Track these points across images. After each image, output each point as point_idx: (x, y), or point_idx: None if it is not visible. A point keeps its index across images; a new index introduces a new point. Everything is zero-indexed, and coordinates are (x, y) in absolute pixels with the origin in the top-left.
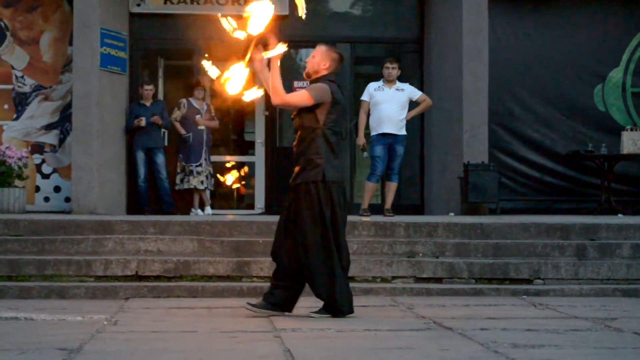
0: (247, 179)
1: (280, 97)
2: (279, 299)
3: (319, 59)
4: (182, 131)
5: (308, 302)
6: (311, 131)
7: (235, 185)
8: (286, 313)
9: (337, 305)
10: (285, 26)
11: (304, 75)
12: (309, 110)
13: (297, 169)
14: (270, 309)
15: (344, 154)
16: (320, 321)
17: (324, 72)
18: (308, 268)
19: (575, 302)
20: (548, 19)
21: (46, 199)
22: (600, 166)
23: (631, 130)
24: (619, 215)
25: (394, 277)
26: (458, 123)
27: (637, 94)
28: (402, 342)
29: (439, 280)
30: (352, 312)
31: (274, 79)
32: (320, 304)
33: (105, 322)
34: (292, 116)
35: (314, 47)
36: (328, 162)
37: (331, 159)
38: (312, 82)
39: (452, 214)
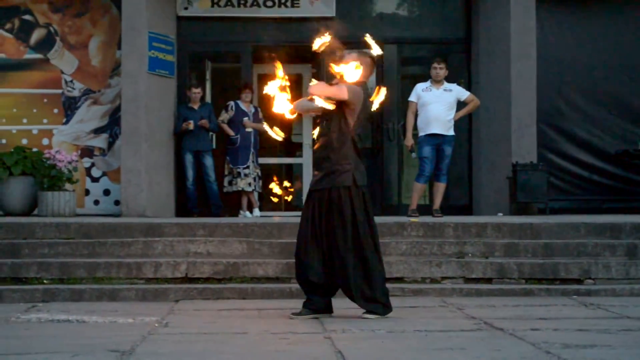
0: (295, 181)
1: (320, 96)
2: (319, 305)
3: (350, 68)
4: (231, 132)
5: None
6: (340, 135)
7: (283, 187)
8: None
9: (384, 304)
10: (332, 28)
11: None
12: (340, 114)
13: (319, 173)
14: (312, 314)
15: (390, 155)
16: (370, 322)
17: (361, 79)
18: (347, 271)
19: (626, 302)
20: (596, 16)
21: (96, 202)
22: None
23: None
24: None
25: (443, 278)
26: (506, 123)
27: None
28: (453, 343)
29: (488, 280)
30: (391, 309)
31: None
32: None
33: (156, 324)
34: (318, 120)
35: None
36: (357, 167)
37: (359, 164)
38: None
39: (500, 214)
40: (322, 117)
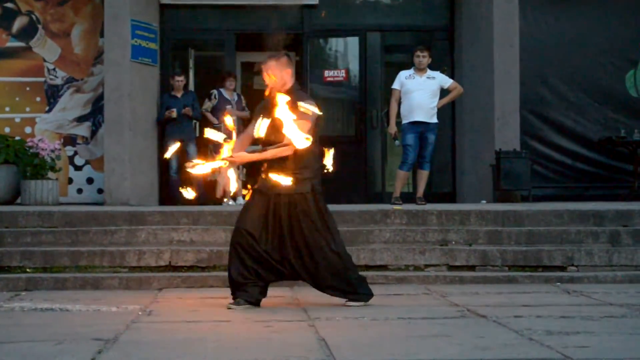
0: None
1: (295, 145)
2: (253, 296)
3: (279, 74)
4: (215, 120)
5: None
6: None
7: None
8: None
9: (365, 295)
10: (314, 16)
11: (265, 94)
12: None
13: (272, 176)
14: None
15: (374, 143)
16: (354, 310)
17: (291, 81)
18: (322, 274)
19: (609, 288)
20: (579, 4)
21: (79, 191)
22: (632, 152)
23: None
24: None
25: (426, 266)
26: (489, 110)
27: None
28: (437, 330)
29: (472, 268)
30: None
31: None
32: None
33: (139, 313)
34: (272, 134)
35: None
36: (316, 176)
37: (317, 172)
38: (286, 93)
39: (484, 201)
40: (265, 124)
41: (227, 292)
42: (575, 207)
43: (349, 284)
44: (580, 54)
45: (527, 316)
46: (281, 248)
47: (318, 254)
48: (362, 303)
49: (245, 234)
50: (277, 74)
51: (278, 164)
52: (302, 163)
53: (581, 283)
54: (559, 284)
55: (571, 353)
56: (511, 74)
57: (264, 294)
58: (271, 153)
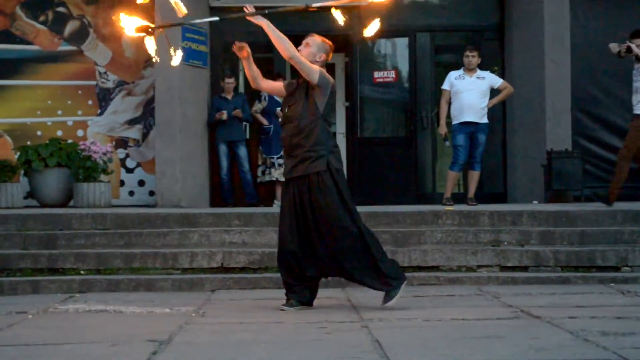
0: None
1: (291, 51)
2: (305, 297)
3: (315, 50)
4: (265, 122)
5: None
6: (310, 121)
7: None
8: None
9: (396, 279)
10: (364, 16)
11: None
12: (308, 98)
13: (292, 161)
14: (300, 305)
15: (424, 143)
16: (407, 311)
17: (319, 63)
18: (346, 255)
19: None
20: (632, 5)
21: (131, 193)
22: None
23: None
24: None
25: (479, 266)
26: (540, 110)
27: None
28: (490, 331)
29: (524, 268)
30: (404, 278)
31: (272, 32)
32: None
33: (193, 314)
34: (285, 108)
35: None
36: (330, 151)
37: (332, 147)
38: None
39: (535, 201)
40: (285, 102)
41: (280, 293)
42: (629, 206)
43: (375, 268)
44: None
45: (581, 317)
46: (310, 242)
47: (340, 233)
48: (397, 295)
49: (283, 242)
50: (313, 49)
51: (291, 143)
52: (315, 139)
53: (636, 283)
54: (612, 284)
55: (627, 354)
56: (562, 73)
57: (314, 294)
58: (275, 34)
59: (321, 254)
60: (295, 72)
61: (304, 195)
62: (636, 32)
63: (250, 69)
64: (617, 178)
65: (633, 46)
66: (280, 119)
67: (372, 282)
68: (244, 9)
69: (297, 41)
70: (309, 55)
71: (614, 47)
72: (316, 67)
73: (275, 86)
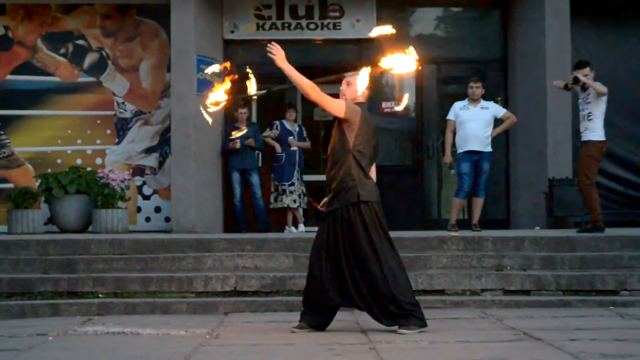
0: None
1: (317, 92)
2: (319, 320)
3: (355, 88)
4: (277, 146)
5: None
6: (342, 154)
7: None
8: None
9: (414, 316)
10: (373, 49)
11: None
12: (339, 131)
13: (330, 195)
14: (310, 329)
15: (430, 172)
16: (414, 334)
17: (361, 100)
18: (373, 290)
19: None
20: (629, 34)
21: (147, 219)
22: None
23: None
24: None
25: (483, 290)
26: (542, 139)
27: None
28: (494, 353)
29: (526, 292)
30: (425, 322)
31: (295, 75)
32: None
33: (207, 336)
34: (329, 150)
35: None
36: (360, 183)
37: (363, 179)
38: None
39: (537, 227)
40: (330, 140)
41: (291, 316)
42: (628, 233)
43: (398, 308)
44: (631, 83)
45: (581, 339)
46: (339, 272)
47: (366, 270)
48: (414, 331)
49: (312, 265)
50: (354, 87)
51: (328, 176)
52: (345, 171)
53: (634, 307)
54: (612, 307)
55: None
56: (564, 103)
57: (329, 320)
58: (296, 74)
59: (349, 285)
60: (306, 105)
61: (337, 227)
62: (580, 63)
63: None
64: (593, 207)
65: (580, 76)
66: (293, 148)
67: (389, 322)
68: (268, 45)
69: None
70: (350, 94)
71: (558, 83)
72: (340, 101)
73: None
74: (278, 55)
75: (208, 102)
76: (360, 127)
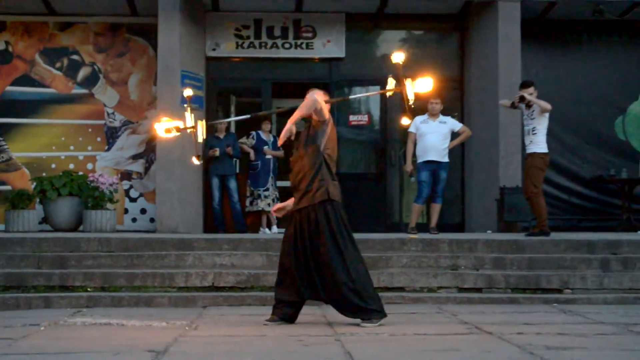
0: None
1: (301, 111)
2: (288, 314)
3: (314, 99)
4: (251, 152)
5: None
6: (312, 156)
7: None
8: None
9: (376, 310)
10: (342, 67)
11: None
12: (312, 137)
13: (298, 193)
14: (281, 321)
15: (392, 179)
16: (375, 327)
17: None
18: (338, 287)
19: (600, 309)
20: (574, 58)
21: (133, 220)
22: (621, 189)
23: None
24: (638, 232)
25: (439, 288)
26: (495, 151)
27: None
28: (448, 345)
29: (479, 290)
30: (385, 314)
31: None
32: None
33: (186, 328)
34: (296, 155)
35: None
36: (328, 183)
37: (330, 181)
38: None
39: (489, 231)
40: (301, 148)
41: (264, 310)
42: (570, 237)
43: (362, 301)
44: (575, 102)
45: (528, 333)
46: (306, 267)
47: (331, 266)
48: (375, 324)
49: (282, 261)
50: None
51: (297, 178)
52: (315, 171)
53: (576, 304)
54: (556, 304)
55: None
56: (514, 119)
57: (297, 313)
58: (293, 119)
59: (315, 280)
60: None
61: (305, 225)
62: (525, 83)
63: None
64: (540, 214)
65: (526, 95)
66: (268, 156)
67: (353, 315)
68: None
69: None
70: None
71: (504, 102)
72: (314, 97)
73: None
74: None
75: (161, 126)
76: (329, 132)
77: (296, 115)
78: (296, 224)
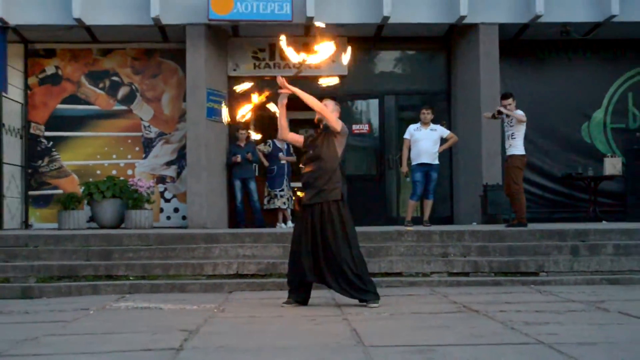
0: None
1: (324, 109)
2: (302, 297)
3: (332, 108)
4: (265, 162)
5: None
6: (330, 161)
7: None
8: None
9: (374, 292)
10: (345, 83)
11: (315, 120)
12: (331, 143)
13: (312, 190)
14: (296, 304)
15: (390, 179)
16: (377, 308)
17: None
18: (345, 273)
19: (571, 289)
20: (545, 73)
21: (168, 218)
22: (588, 185)
23: (611, 157)
24: (603, 222)
25: (432, 273)
26: (478, 154)
27: (615, 129)
28: (440, 322)
29: (466, 274)
30: (379, 297)
31: (302, 95)
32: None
33: (215, 310)
34: (310, 150)
35: (366, 98)
36: (341, 186)
37: (341, 184)
38: (324, 125)
39: (474, 223)
40: (310, 146)
41: (281, 294)
42: (545, 227)
43: (363, 284)
44: (547, 110)
45: (509, 311)
46: (315, 254)
47: (340, 254)
48: (378, 304)
49: (293, 249)
50: (330, 107)
51: (314, 177)
52: (332, 173)
53: (550, 285)
54: (533, 286)
55: (544, 339)
56: (495, 126)
57: (308, 296)
58: (310, 98)
59: (323, 267)
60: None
61: (317, 218)
62: (505, 95)
63: (283, 120)
64: (520, 208)
65: (502, 109)
66: (282, 161)
67: (352, 295)
68: (277, 79)
69: (292, 102)
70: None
71: (487, 114)
72: (339, 120)
73: (296, 139)
74: (285, 87)
75: (238, 116)
76: (344, 145)
77: (309, 100)
78: (307, 217)
